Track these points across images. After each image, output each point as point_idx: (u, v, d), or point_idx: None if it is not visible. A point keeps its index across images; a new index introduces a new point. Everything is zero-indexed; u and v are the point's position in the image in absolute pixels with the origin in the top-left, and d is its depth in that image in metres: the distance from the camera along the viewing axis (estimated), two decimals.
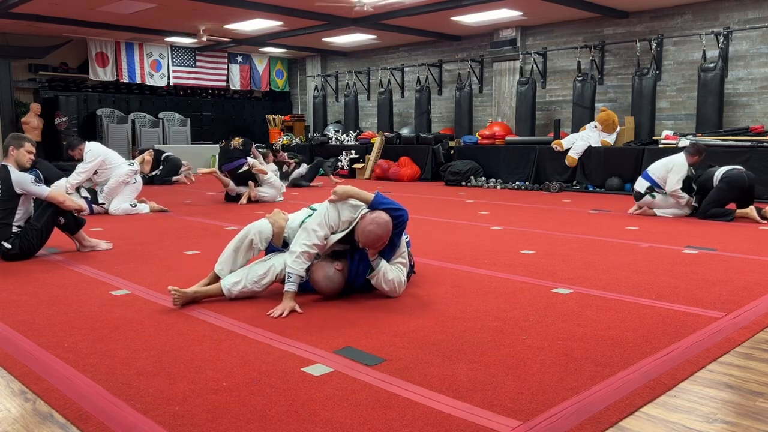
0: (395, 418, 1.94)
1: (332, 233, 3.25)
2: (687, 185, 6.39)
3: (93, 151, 6.85)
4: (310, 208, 3.50)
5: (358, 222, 3.20)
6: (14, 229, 4.41)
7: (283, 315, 2.99)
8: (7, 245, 4.36)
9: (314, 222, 3.22)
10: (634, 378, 2.23)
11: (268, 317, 2.98)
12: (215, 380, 2.24)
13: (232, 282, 3.25)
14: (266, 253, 3.48)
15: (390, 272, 3.27)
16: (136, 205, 7.00)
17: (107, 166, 6.89)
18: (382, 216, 3.16)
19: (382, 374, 2.28)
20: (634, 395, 2.10)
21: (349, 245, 3.33)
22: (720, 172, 6.20)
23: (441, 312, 3.08)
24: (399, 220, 3.24)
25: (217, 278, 3.35)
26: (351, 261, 3.29)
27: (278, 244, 3.38)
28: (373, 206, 3.23)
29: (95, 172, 6.89)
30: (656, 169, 6.53)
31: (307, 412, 1.98)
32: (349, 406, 2.01)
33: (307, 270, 3.23)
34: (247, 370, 2.33)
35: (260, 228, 3.36)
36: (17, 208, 4.43)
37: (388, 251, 3.30)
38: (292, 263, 3.14)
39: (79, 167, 6.82)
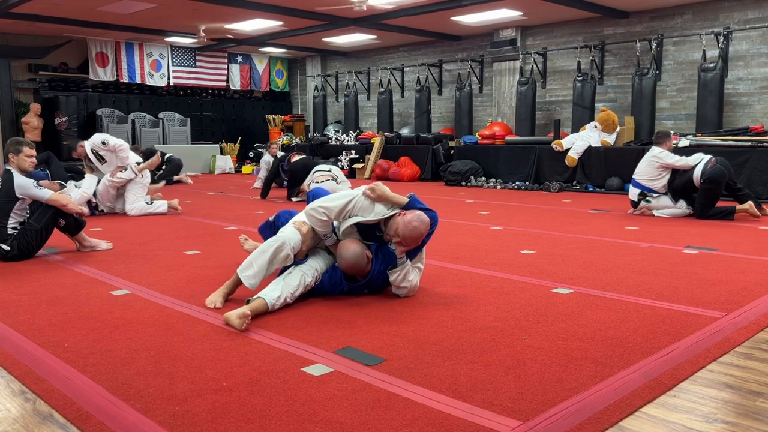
0: (395, 418, 1.94)
1: (348, 217, 3.27)
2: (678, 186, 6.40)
3: (109, 141, 6.73)
4: None
5: (394, 217, 3.21)
6: (9, 231, 4.41)
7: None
8: (6, 247, 4.36)
9: (343, 198, 3.28)
10: (634, 378, 2.23)
11: (268, 317, 2.98)
12: (215, 380, 2.24)
13: (275, 296, 3.08)
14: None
15: (411, 273, 3.31)
16: (151, 203, 6.88)
17: (120, 154, 6.75)
18: (424, 215, 3.20)
19: (382, 374, 2.28)
20: (634, 395, 2.10)
21: (372, 243, 3.34)
22: (698, 171, 6.16)
23: (441, 312, 3.08)
24: (433, 221, 3.28)
25: (237, 284, 3.24)
26: (375, 260, 3.30)
27: (301, 257, 3.34)
28: (407, 208, 3.25)
29: (102, 160, 6.75)
30: (640, 172, 6.54)
31: (307, 412, 1.98)
32: (349, 406, 2.01)
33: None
34: (247, 370, 2.33)
35: (294, 242, 3.24)
36: (13, 210, 4.43)
37: (414, 252, 3.32)
38: (310, 222, 3.30)
39: (125, 160, 6.73)
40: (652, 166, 6.41)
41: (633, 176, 6.64)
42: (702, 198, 6.21)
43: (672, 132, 6.74)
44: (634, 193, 6.62)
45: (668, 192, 6.44)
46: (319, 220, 3.27)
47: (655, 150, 6.45)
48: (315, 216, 3.27)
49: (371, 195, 3.25)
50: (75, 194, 6.42)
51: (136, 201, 6.82)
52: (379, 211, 3.25)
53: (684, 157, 6.33)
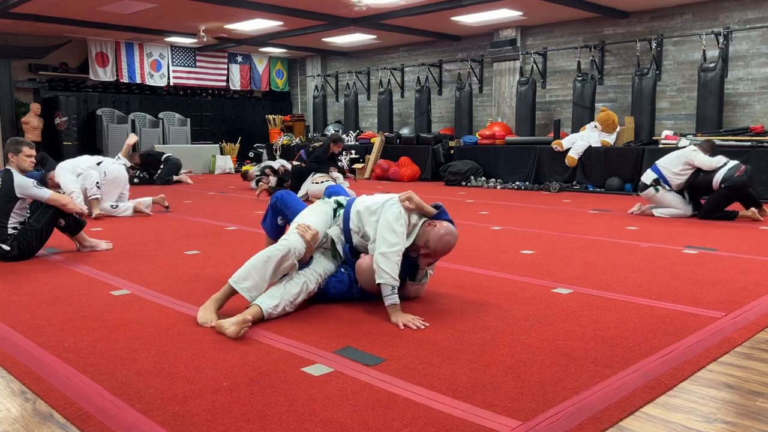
0: (395, 418, 1.94)
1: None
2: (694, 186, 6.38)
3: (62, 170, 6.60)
4: (336, 202, 3.37)
5: (422, 228, 3.09)
6: (9, 231, 4.41)
7: (415, 325, 2.84)
8: (6, 247, 4.35)
9: (395, 222, 3.02)
10: (634, 378, 2.23)
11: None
12: (215, 380, 2.24)
13: (272, 305, 2.95)
14: None
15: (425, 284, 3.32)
16: (116, 206, 6.67)
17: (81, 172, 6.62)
18: (454, 228, 3.10)
19: (382, 374, 2.28)
20: (634, 395, 2.10)
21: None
22: (720, 175, 6.12)
23: (441, 312, 3.08)
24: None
25: (229, 296, 3.04)
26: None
27: (305, 261, 3.20)
28: (436, 218, 3.15)
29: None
30: (667, 161, 6.45)
31: (307, 412, 1.98)
32: (349, 406, 2.01)
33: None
34: (247, 370, 2.33)
35: (299, 251, 3.07)
36: (13, 210, 4.43)
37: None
38: (387, 267, 2.91)
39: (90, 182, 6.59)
40: (680, 160, 6.33)
41: (657, 162, 6.56)
42: (715, 200, 6.19)
43: (715, 148, 6.60)
44: (649, 176, 6.51)
45: (683, 191, 6.39)
46: (398, 259, 2.98)
47: (690, 147, 6.38)
48: (396, 261, 2.95)
49: (410, 206, 3.08)
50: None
51: (103, 201, 6.65)
52: (414, 223, 3.11)
53: (711, 159, 6.27)
